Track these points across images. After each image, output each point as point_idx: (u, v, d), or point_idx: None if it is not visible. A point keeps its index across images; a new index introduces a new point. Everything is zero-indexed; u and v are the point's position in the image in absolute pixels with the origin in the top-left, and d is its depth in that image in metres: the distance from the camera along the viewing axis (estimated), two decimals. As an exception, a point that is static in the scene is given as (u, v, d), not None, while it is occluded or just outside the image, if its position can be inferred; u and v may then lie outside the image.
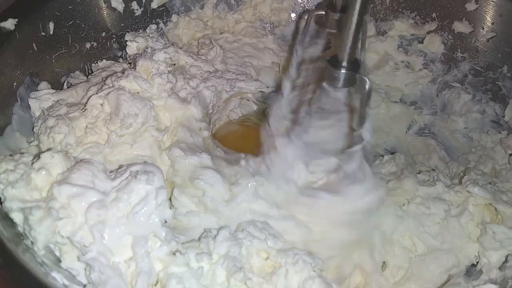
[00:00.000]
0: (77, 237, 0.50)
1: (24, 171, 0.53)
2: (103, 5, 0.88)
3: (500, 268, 0.60)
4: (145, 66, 0.75)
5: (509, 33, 0.81)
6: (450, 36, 0.90)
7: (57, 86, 0.80)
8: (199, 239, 0.57)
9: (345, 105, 0.73)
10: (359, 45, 0.59)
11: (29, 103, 0.73)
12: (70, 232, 0.51)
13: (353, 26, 0.52)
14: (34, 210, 0.50)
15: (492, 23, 0.83)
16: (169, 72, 0.77)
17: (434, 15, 0.91)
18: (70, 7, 0.81)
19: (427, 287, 0.62)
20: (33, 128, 0.71)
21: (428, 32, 0.92)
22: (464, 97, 0.87)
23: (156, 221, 0.53)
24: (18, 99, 0.71)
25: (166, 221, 0.55)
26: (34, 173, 0.53)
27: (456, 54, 0.90)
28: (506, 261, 0.61)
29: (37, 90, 0.76)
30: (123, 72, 0.75)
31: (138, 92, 0.72)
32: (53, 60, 0.80)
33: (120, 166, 0.60)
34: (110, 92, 0.71)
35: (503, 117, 0.80)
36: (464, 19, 0.87)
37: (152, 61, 0.76)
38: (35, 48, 0.76)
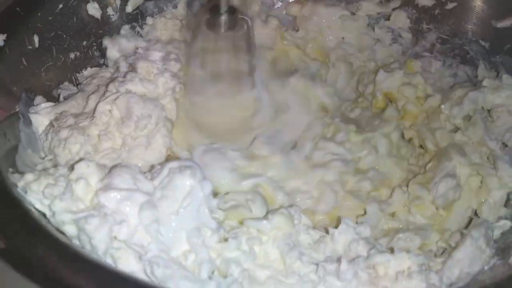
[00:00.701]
0: (135, 239, 0.51)
1: (66, 183, 0.53)
2: (81, 13, 0.86)
3: (505, 206, 0.68)
4: (145, 67, 0.75)
5: (469, 0, 0.90)
6: (414, 11, 0.98)
7: (50, 99, 0.77)
8: (244, 223, 0.59)
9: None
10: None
11: (31, 119, 0.71)
12: (127, 235, 0.51)
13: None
14: (90, 218, 0.49)
15: (453, -7, 0.91)
16: (165, 69, 0.78)
17: (397, -8, 0.98)
18: (50, 18, 0.80)
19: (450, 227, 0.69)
20: (41, 142, 0.69)
21: (394, 9, 0.99)
22: (435, 64, 0.95)
23: (205, 212, 0.55)
24: (21, 116, 0.69)
25: (212, 211, 0.57)
26: (74, 184, 0.53)
27: (422, 26, 0.98)
28: (508, 199, 0.68)
29: (35, 105, 0.74)
30: (124, 76, 0.75)
31: (145, 94, 0.72)
32: (43, 74, 0.78)
33: (152, 166, 0.60)
34: (118, 97, 0.71)
35: (475, 77, 0.89)
36: (426, -8, 0.95)
37: (150, 61, 0.76)
38: (25, 63, 0.74)
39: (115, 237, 0.50)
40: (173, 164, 0.57)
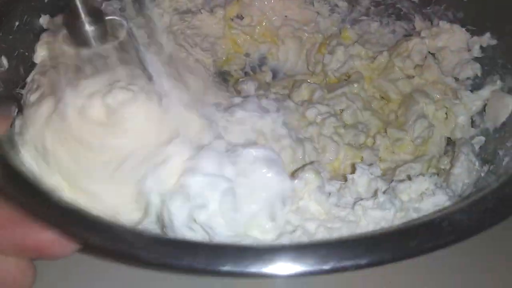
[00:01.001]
0: (212, 223, 0.52)
1: None
2: (36, 28, 0.83)
3: (472, 127, 0.80)
4: None
5: (394, -37, 1.02)
6: (344, -19, 1.08)
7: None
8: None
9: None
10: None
11: None
12: (205, 219, 0.52)
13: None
14: (176, 196, 0.50)
15: (377, -42, 1.02)
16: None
17: (325, -34, 1.07)
18: (10, 36, 0.76)
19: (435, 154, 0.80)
20: None
21: (326, -19, 1.09)
22: (373, 25, 1.06)
23: (280, 206, 0.57)
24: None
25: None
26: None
27: (354, -7, 1.08)
28: (473, 120, 0.81)
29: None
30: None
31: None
32: (19, 96, 0.74)
33: (235, 146, 0.59)
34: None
35: (413, 29, 1.01)
36: (350, -38, 1.05)
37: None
38: (2, 86, 0.70)
39: (195, 220, 0.52)
40: (259, 153, 0.57)
